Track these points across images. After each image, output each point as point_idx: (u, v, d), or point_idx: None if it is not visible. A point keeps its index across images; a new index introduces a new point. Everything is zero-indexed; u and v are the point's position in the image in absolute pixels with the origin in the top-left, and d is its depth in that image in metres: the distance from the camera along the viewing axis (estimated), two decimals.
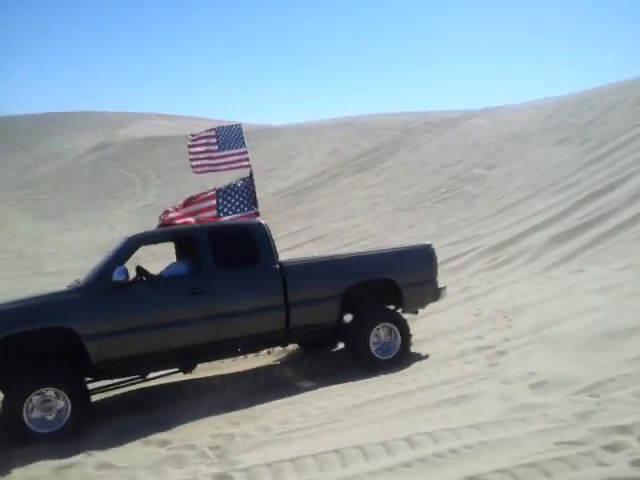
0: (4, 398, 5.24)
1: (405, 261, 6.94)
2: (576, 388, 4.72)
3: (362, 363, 6.48)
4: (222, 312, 5.95)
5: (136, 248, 6.03)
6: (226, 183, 7.81)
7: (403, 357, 6.62)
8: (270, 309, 6.20)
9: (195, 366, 6.38)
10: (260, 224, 6.50)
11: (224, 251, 6.11)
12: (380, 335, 6.61)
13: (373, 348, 6.51)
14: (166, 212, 7.26)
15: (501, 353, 6.31)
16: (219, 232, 6.53)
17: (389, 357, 6.58)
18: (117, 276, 5.52)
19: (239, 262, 6.26)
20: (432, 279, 7.00)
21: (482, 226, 15.01)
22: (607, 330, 6.20)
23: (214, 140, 7.57)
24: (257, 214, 7.42)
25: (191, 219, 6.94)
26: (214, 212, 7.11)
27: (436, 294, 7.05)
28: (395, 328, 6.63)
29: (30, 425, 5.02)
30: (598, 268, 10.08)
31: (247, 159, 7.81)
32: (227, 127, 7.79)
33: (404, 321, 6.77)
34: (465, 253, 13.24)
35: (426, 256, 7.06)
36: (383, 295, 6.85)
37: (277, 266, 6.33)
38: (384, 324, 6.61)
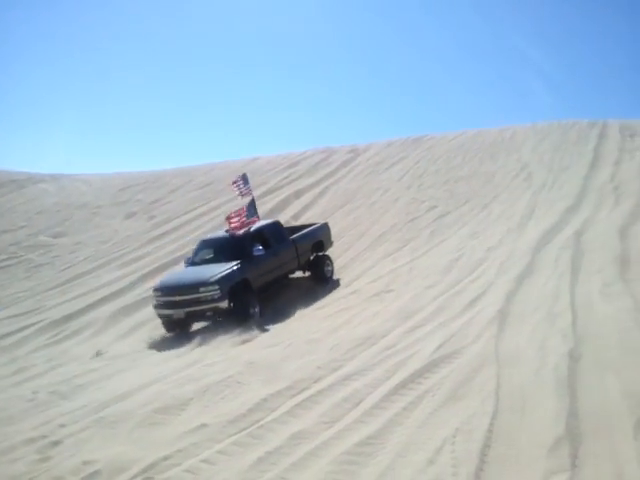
0: (239, 306, 10.52)
1: (321, 230, 13.63)
2: (132, 473, 4.56)
3: (322, 280, 12.90)
4: (282, 262, 12.12)
5: (253, 239, 11.77)
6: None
7: (333, 275, 13.35)
8: (294, 258, 12.53)
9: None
10: (280, 222, 13.42)
11: (275, 237, 12.31)
12: (326, 265, 13.22)
13: (325, 271, 13.16)
14: (227, 221, 12.11)
15: (55, 443, 5.67)
16: (272, 228, 12.53)
17: (330, 275, 13.15)
18: (256, 252, 11.29)
19: (280, 241, 12.35)
20: (330, 238, 13.88)
21: (46, 297, 13.91)
22: (165, 404, 6.33)
23: (242, 181, 13.36)
24: (258, 217, 12.96)
25: (245, 222, 12.16)
26: (246, 218, 12.18)
27: (331, 243, 13.87)
28: (330, 262, 13.35)
29: (252, 315, 10.69)
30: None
31: (251, 191, 13.65)
32: (244, 174, 13.79)
33: (331, 258, 13.53)
34: (25, 327, 11.87)
35: (327, 227, 13.92)
36: (317, 247, 13.25)
37: (292, 241, 12.64)
38: (327, 261, 13.31)
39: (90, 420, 6.21)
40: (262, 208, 19.86)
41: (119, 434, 5.62)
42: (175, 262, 15.17)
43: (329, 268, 13.18)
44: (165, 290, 10.73)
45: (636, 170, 17.58)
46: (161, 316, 10.83)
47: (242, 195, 13.43)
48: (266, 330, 10.09)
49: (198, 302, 10.33)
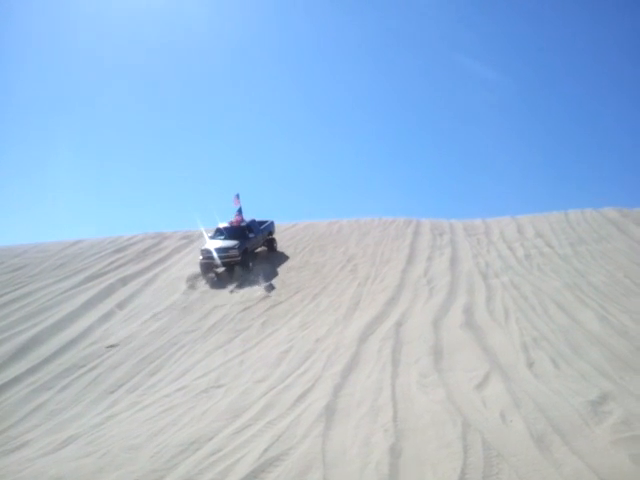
0: (246, 260, 20.63)
1: (272, 224, 24.33)
2: None
3: (273, 250, 23.51)
4: (257, 241, 22.53)
5: (248, 229, 21.96)
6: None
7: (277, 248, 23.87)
8: (262, 239, 23.02)
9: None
10: (256, 220, 23.34)
11: (255, 228, 22.45)
12: (275, 243, 24.05)
13: (274, 246, 23.83)
14: (235, 218, 22.30)
15: None
16: (254, 223, 22.68)
17: (275, 249, 23.79)
18: (250, 236, 21.43)
19: (257, 230, 22.51)
20: (275, 228, 24.57)
21: None
22: None
23: (236, 197, 22.84)
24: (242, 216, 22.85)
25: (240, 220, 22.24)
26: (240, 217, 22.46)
27: (275, 231, 24.92)
28: (275, 240, 24.12)
29: (251, 266, 20.83)
30: None
31: (240, 202, 22.96)
32: (237, 194, 22.99)
33: (275, 239, 24.56)
34: None
35: (274, 223, 24.48)
36: (270, 233, 23.97)
37: (261, 230, 23.01)
38: (275, 240, 24.11)
39: None
40: (84, 295, 18.50)
41: None
42: None
43: (275, 245, 23.57)
44: (209, 252, 19.87)
45: (445, 265, 19.57)
46: (205, 265, 19.90)
47: (236, 205, 22.54)
48: None
49: (228, 257, 19.91)
